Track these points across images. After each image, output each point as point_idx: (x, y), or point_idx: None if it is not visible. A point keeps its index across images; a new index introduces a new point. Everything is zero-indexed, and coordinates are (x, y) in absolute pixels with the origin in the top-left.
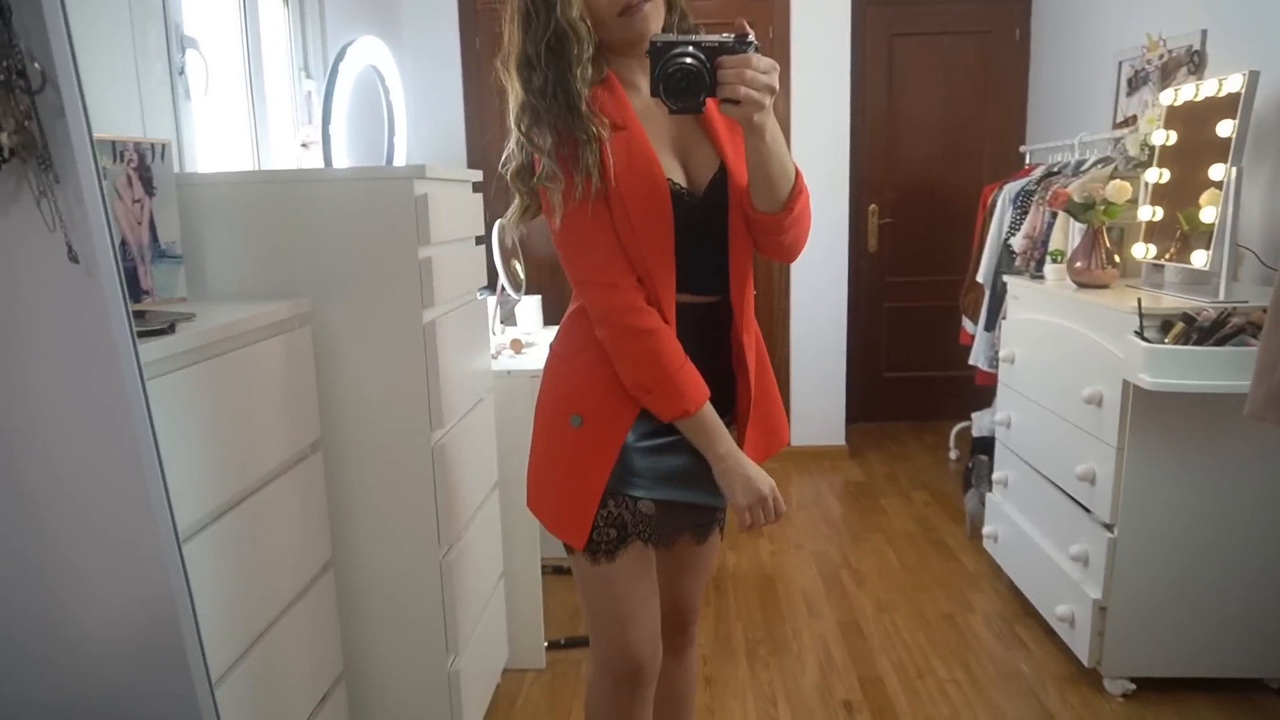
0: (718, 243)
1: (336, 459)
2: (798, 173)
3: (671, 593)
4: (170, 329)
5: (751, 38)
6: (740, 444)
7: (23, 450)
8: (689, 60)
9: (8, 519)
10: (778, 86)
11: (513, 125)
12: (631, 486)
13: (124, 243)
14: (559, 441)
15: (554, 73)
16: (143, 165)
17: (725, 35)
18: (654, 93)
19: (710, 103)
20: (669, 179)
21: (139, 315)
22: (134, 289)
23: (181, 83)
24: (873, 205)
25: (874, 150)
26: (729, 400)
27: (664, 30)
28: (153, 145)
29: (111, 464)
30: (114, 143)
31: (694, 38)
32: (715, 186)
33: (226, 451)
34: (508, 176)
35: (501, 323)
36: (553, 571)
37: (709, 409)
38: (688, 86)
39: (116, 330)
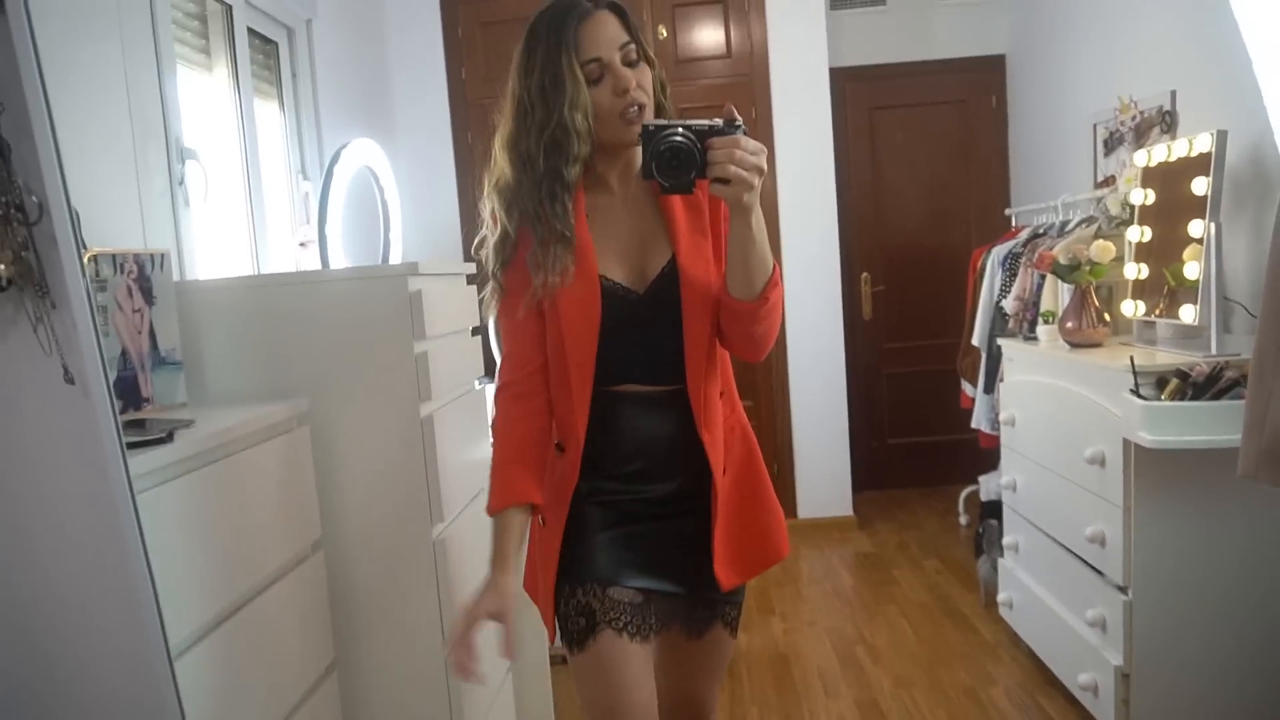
0: (668, 334)
1: (338, 557)
2: (774, 263)
3: (676, 685)
4: (168, 438)
5: (739, 121)
6: (714, 549)
7: (20, 565)
8: (680, 139)
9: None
10: (766, 168)
11: (486, 200)
12: (595, 573)
13: (124, 352)
14: (535, 538)
15: (548, 168)
16: (142, 275)
17: (714, 119)
18: (645, 174)
19: (678, 203)
20: (606, 277)
21: (139, 424)
22: (134, 397)
23: (181, 192)
24: (865, 274)
25: (862, 220)
26: (705, 497)
27: None
28: (152, 256)
29: (105, 579)
30: (114, 255)
31: (685, 121)
32: (662, 281)
33: (228, 556)
34: (485, 261)
35: None
36: (562, 662)
37: (503, 521)
38: (679, 165)
39: (107, 448)
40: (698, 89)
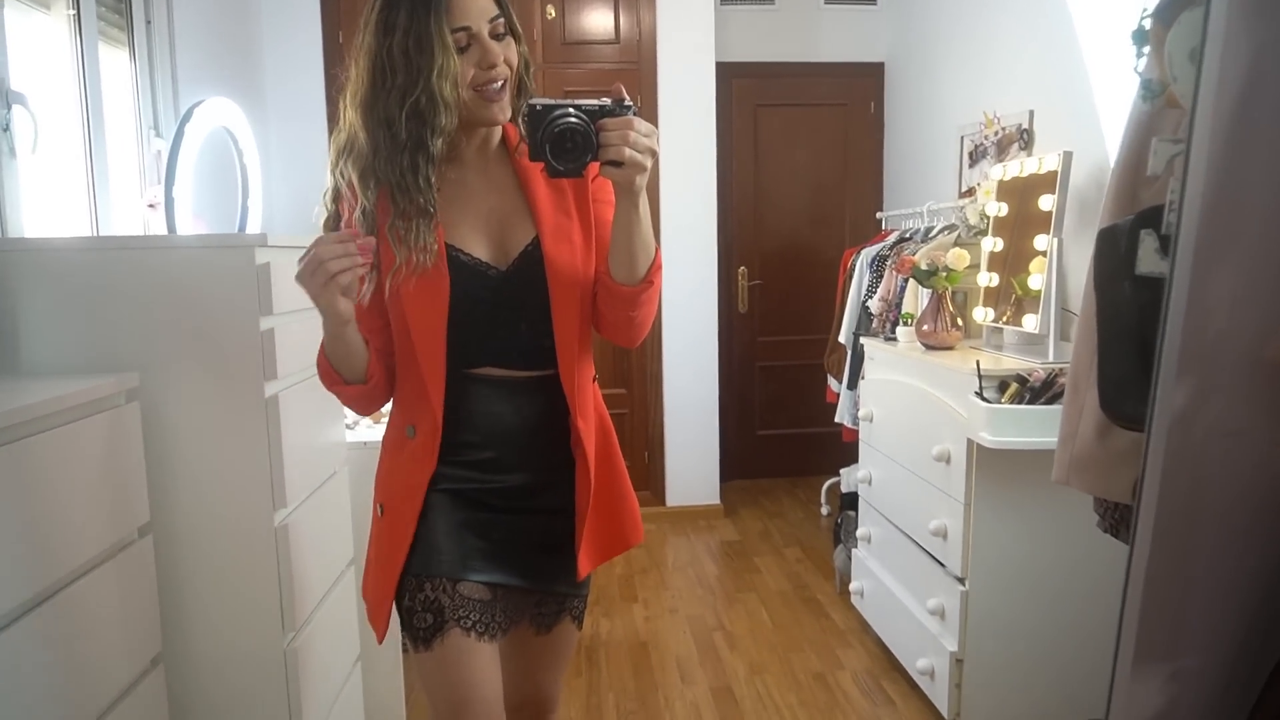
0: (535, 317)
1: (168, 544)
2: (656, 247)
3: (521, 683)
4: None
5: (629, 101)
6: (578, 539)
7: None
8: (574, 120)
9: None
10: (659, 150)
11: (332, 168)
12: (443, 567)
13: None
14: (372, 530)
15: (412, 140)
16: None
17: (603, 99)
18: (534, 156)
19: (539, 183)
20: (462, 250)
21: None
22: None
23: (6, 140)
24: (742, 267)
25: (742, 214)
26: (568, 489)
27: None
28: None
29: None
30: None
31: (573, 101)
32: (525, 259)
33: (36, 540)
34: (321, 226)
35: None
36: None
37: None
38: (574, 147)
39: None
40: (584, 73)
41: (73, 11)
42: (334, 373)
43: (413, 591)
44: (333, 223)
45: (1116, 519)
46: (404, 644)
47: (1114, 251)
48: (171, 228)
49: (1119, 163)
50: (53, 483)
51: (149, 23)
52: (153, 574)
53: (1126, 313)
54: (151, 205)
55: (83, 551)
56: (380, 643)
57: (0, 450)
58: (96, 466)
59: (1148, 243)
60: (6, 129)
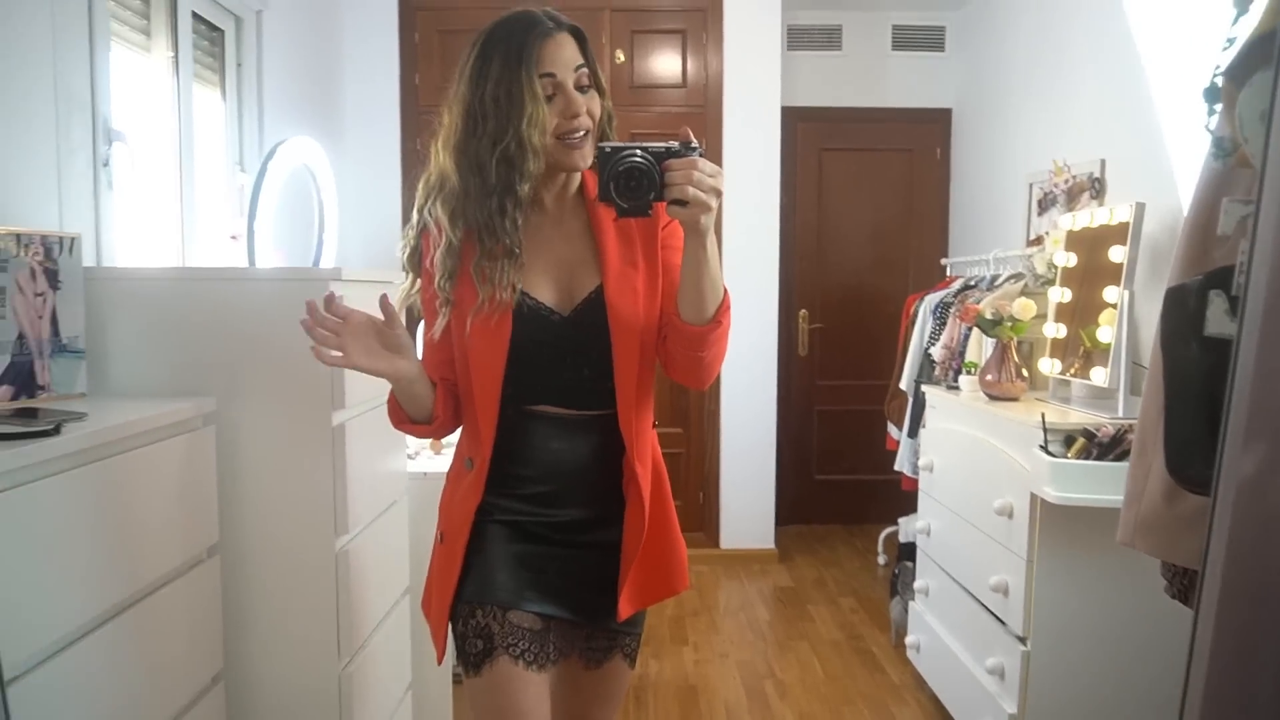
0: (596, 361)
1: (235, 564)
2: (724, 288)
3: (572, 717)
4: (55, 430)
5: (695, 143)
6: (622, 579)
7: None
8: (639, 160)
9: None
10: (723, 190)
11: (419, 208)
12: (496, 595)
13: (21, 336)
14: (434, 555)
15: (501, 184)
16: (49, 258)
17: (670, 142)
18: (602, 196)
19: (609, 233)
20: (529, 295)
21: (30, 413)
22: (29, 384)
23: (105, 174)
24: (803, 310)
25: (804, 257)
26: (619, 527)
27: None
28: (61, 239)
29: None
30: (18, 235)
31: (641, 144)
32: (588, 305)
33: (112, 556)
34: (403, 259)
35: None
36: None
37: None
38: (637, 185)
39: None
40: (651, 116)
41: (172, 54)
42: (401, 411)
43: (465, 618)
44: (415, 257)
45: (1185, 584)
46: (454, 673)
47: (1182, 311)
48: (252, 260)
49: (1189, 220)
50: (133, 499)
51: (240, 65)
52: (219, 593)
53: (1193, 374)
54: (234, 237)
55: (157, 567)
56: (440, 663)
57: (90, 467)
58: (173, 486)
59: (1217, 303)
60: (106, 164)
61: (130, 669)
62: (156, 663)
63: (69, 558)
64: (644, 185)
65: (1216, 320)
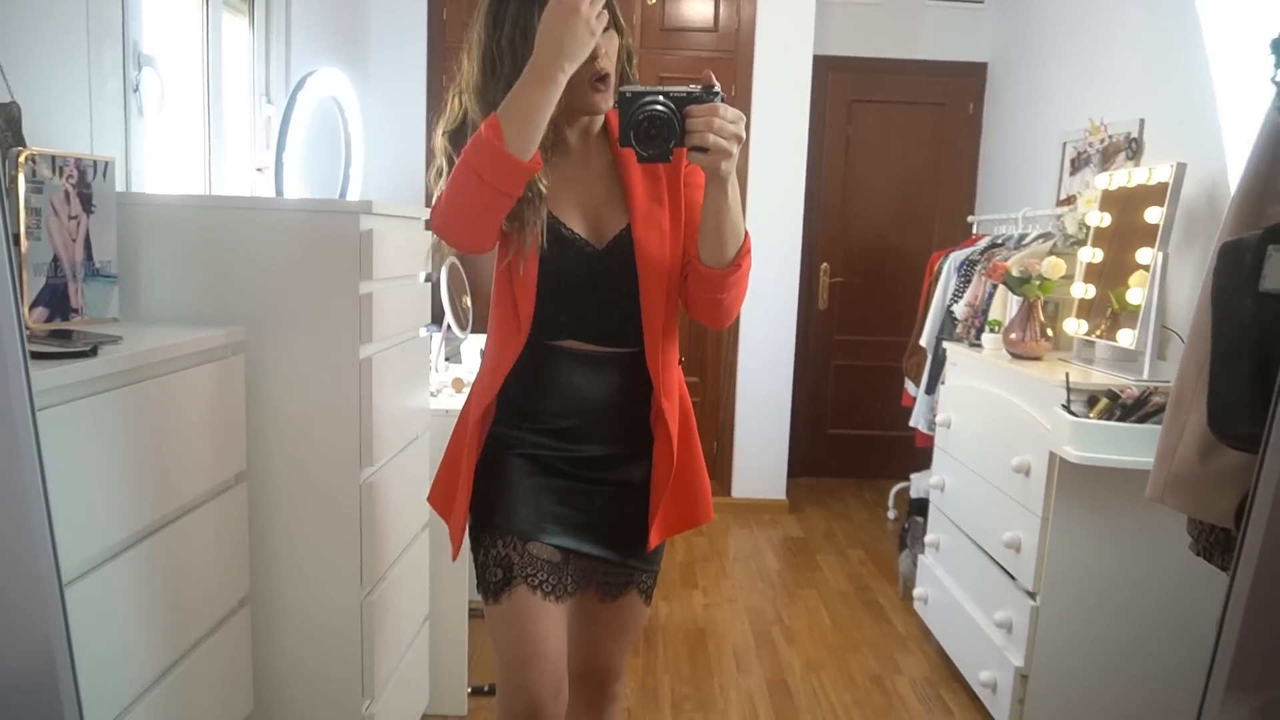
0: (623, 297)
1: (261, 492)
2: (745, 232)
3: (586, 649)
4: (92, 352)
5: (718, 88)
6: (652, 513)
7: None
8: (659, 107)
9: None
10: (744, 136)
11: (442, 150)
12: (517, 526)
13: (56, 259)
14: (464, 455)
15: None
16: (82, 181)
17: (692, 86)
18: (623, 142)
19: (635, 171)
20: (564, 224)
21: (64, 334)
22: (63, 307)
23: (135, 100)
24: (825, 264)
25: (828, 211)
26: (644, 465)
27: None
28: (95, 162)
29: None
30: (54, 158)
31: (662, 89)
32: (619, 243)
33: (145, 479)
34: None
35: (446, 360)
36: (480, 615)
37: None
38: (657, 133)
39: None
40: (681, 60)
41: None
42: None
43: (487, 547)
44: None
45: (1211, 542)
46: (470, 606)
47: (1238, 267)
48: (279, 191)
49: (1247, 175)
50: (165, 424)
51: None
52: (245, 519)
53: (1246, 330)
54: (259, 169)
55: (186, 491)
56: (454, 559)
57: (124, 390)
58: (202, 413)
59: (1275, 259)
60: (137, 90)
61: (160, 590)
62: (186, 584)
63: (102, 479)
64: (665, 133)
65: (1274, 275)
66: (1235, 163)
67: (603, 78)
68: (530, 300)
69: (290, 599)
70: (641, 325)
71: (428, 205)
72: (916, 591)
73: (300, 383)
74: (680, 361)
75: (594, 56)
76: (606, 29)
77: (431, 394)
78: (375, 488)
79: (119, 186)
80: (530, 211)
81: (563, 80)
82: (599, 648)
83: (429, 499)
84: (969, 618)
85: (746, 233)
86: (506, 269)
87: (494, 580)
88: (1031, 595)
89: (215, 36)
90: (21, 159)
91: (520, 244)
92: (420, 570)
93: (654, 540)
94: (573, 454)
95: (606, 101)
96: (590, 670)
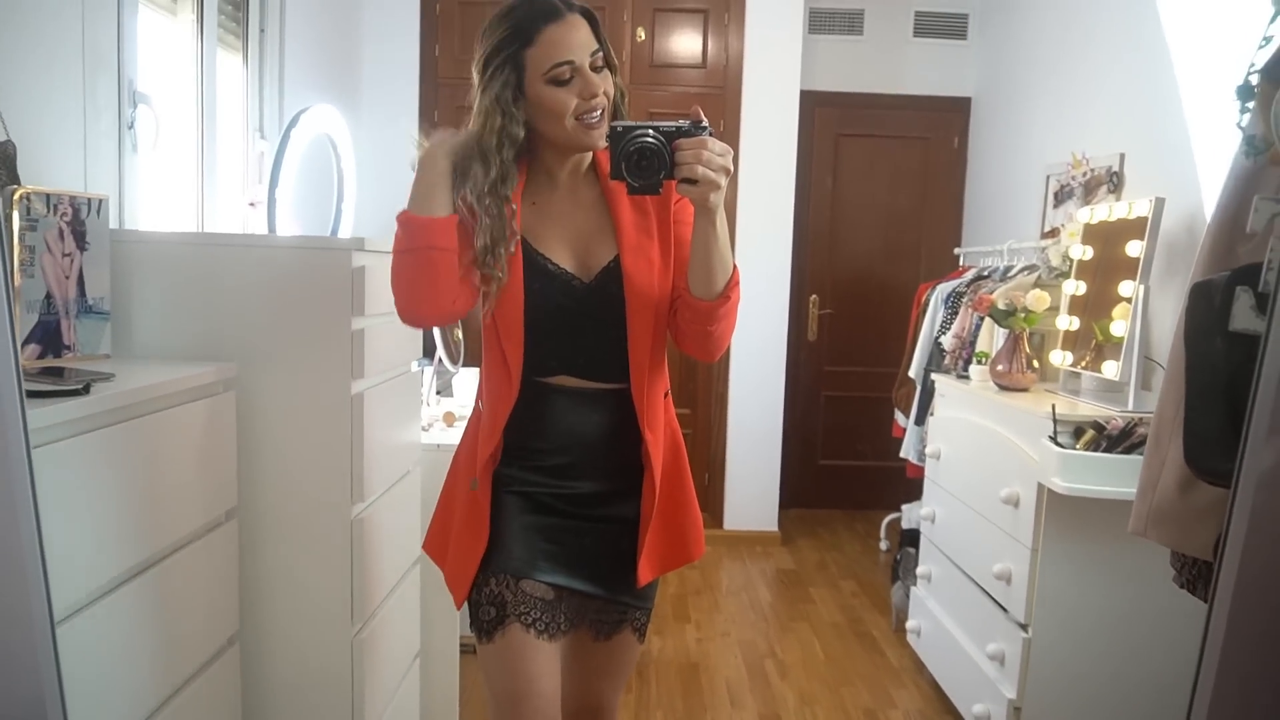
0: (611, 332)
1: (252, 528)
2: (734, 264)
3: (579, 688)
4: (85, 390)
5: (706, 122)
6: (639, 547)
7: None
8: (650, 140)
9: None
10: (732, 169)
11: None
12: (509, 564)
13: (49, 296)
14: (458, 498)
15: (497, 175)
16: (76, 219)
17: (681, 121)
18: (614, 174)
19: (624, 205)
20: (550, 260)
21: (56, 372)
22: (55, 344)
23: (130, 137)
24: (814, 295)
25: (817, 243)
26: (636, 500)
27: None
28: (89, 200)
29: None
30: (48, 195)
31: (652, 123)
32: (607, 275)
33: (137, 515)
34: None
35: (437, 394)
36: (471, 651)
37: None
38: (648, 165)
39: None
40: (670, 95)
41: (195, 16)
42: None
43: (479, 585)
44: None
45: (1194, 575)
46: (461, 643)
47: (1208, 306)
48: (272, 227)
49: (1216, 217)
50: (156, 461)
51: (263, 30)
52: (236, 556)
53: (1217, 368)
54: (252, 204)
55: (177, 529)
56: (459, 608)
57: (114, 429)
58: (194, 449)
59: (1243, 299)
60: (131, 126)
61: (150, 628)
62: (176, 622)
63: (93, 516)
64: (655, 164)
65: (1242, 316)
66: (1211, 198)
67: (600, 115)
68: (517, 344)
69: (280, 636)
70: (628, 359)
71: None
72: (909, 624)
73: (292, 419)
74: (666, 394)
75: (590, 95)
76: (601, 69)
77: (423, 428)
78: (366, 523)
79: (113, 223)
80: (497, 260)
81: (444, 164)
82: (591, 687)
83: (424, 547)
84: (961, 650)
85: (735, 266)
86: (492, 318)
87: (487, 619)
88: (1023, 627)
89: (209, 73)
90: (16, 197)
91: (498, 291)
92: (411, 607)
93: (643, 576)
94: (566, 491)
95: (602, 138)
96: (583, 709)
